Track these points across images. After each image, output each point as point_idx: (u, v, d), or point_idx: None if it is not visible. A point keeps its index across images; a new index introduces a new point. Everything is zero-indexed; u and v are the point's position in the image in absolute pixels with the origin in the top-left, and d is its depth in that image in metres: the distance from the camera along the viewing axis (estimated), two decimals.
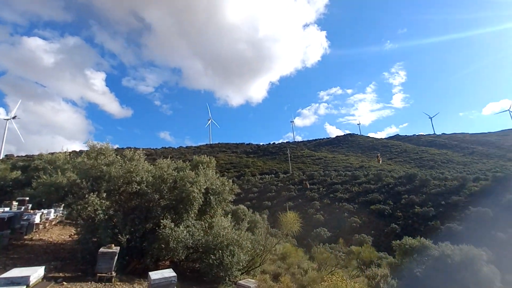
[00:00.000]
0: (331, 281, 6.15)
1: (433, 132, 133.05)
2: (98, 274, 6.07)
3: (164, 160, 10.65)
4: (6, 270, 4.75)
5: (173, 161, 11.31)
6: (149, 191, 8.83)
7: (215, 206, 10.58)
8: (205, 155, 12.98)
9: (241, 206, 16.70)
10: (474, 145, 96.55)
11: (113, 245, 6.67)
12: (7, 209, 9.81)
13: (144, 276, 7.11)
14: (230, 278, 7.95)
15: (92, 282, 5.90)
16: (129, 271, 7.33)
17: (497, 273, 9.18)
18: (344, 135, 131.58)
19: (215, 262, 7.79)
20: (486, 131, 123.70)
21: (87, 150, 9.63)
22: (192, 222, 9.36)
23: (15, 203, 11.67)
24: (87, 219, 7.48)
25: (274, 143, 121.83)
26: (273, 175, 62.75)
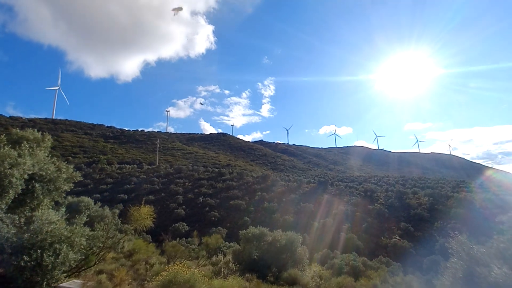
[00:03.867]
0: (172, 270, 6.15)
1: (287, 142, 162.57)
2: None
3: None
4: None
5: None
6: None
7: (41, 197, 8.34)
8: (41, 132, 10.08)
9: (85, 198, 14.13)
10: (311, 156, 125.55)
11: None
12: None
13: None
14: (50, 281, 6.51)
15: None
16: None
17: (306, 251, 12.13)
18: (217, 133, 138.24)
19: (28, 264, 6.16)
20: (320, 147, 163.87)
21: None
22: (1, 215, 7.04)
23: None
24: None
25: (142, 130, 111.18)
26: (135, 166, 56.98)
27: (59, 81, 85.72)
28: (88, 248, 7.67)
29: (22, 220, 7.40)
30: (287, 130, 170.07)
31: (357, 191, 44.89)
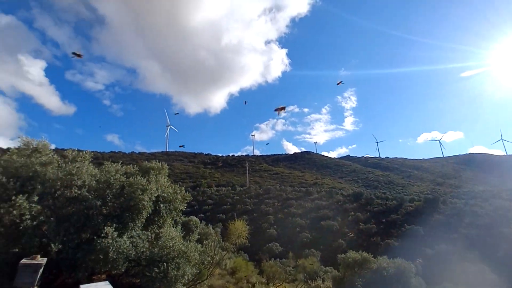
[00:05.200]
0: None
1: (378, 155, 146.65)
2: None
3: (113, 164, 9.91)
4: None
5: (123, 166, 10.59)
6: (90, 196, 8.07)
7: (165, 216, 10.08)
8: (160, 162, 12.47)
9: (193, 218, 16.15)
10: (411, 169, 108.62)
11: (38, 256, 5.89)
12: None
13: None
14: None
15: None
16: (57, 286, 6.49)
17: (423, 283, 10.24)
18: (301, 152, 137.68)
19: (158, 275, 7.33)
20: (420, 158, 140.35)
21: (18, 147, 8.50)
22: (138, 232, 8.77)
23: None
24: (10, 225, 6.52)
25: (233, 155, 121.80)
26: (229, 188, 62.16)
27: (168, 120, 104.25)
28: (201, 263, 8.65)
29: (153, 236, 8.98)
30: (377, 142, 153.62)
31: (483, 211, 35.74)
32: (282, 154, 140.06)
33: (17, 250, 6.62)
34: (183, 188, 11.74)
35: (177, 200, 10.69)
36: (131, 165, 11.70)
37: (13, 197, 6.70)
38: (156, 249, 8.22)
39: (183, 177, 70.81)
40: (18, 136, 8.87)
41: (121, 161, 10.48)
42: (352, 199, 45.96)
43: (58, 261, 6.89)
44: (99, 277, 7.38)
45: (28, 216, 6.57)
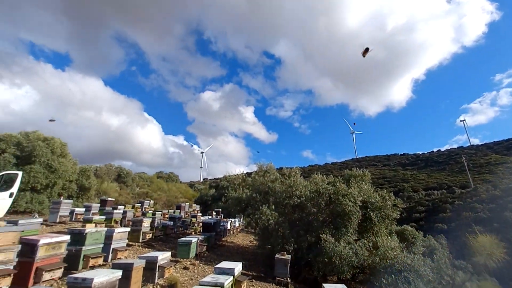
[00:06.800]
0: None
1: None
2: (276, 278, 6.89)
3: (318, 175, 11.04)
4: (216, 263, 6.32)
5: (325, 176, 11.52)
6: (308, 204, 9.35)
7: (377, 223, 9.66)
8: (356, 169, 12.39)
9: (408, 227, 14.33)
10: None
11: (285, 252, 7.42)
12: (208, 217, 13.23)
13: (314, 287, 7.37)
14: None
15: (272, 284, 6.74)
16: (301, 280, 7.83)
17: None
18: None
19: (388, 287, 6.95)
20: None
21: (256, 170, 11.56)
22: (353, 238, 8.96)
23: (214, 213, 15.59)
24: (263, 227, 8.79)
25: (439, 150, 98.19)
26: (444, 191, 50.03)
27: (350, 127, 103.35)
28: (437, 282, 7.30)
29: (370, 244, 8.79)
30: None
31: None
32: None
33: (269, 246, 8.77)
34: (391, 194, 10.84)
35: (387, 207, 10.00)
36: (330, 175, 12.47)
37: (260, 207, 9.07)
38: (377, 258, 7.95)
39: (380, 183, 65.79)
40: (255, 163, 12.19)
41: (318, 173, 11.47)
42: None
43: (296, 260, 8.35)
44: (331, 278, 8.14)
45: (272, 221, 8.58)
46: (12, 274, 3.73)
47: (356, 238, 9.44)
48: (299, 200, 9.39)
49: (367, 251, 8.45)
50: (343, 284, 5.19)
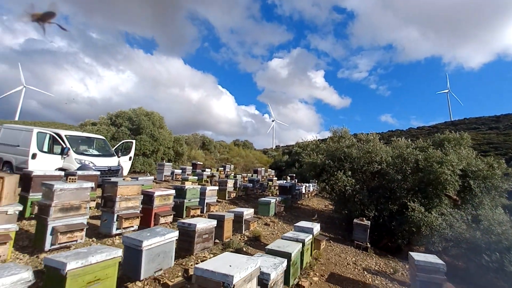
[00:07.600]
0: None
1: None
2: (355, 242, 6.89)
3: (401, 139, 9.97)
4: (294, 222, 6.70)
5: (410, 141, 10.29)
6: (390, 171, 8.68)
7: (479, 194, 8.28)
8: (458, 132, 10.60)
9: None
10: None
11: (364, 218, 7.26)
12: (284, 181, 13.82)
13: (396, 255, 7.11)
14: None
15: (351, 247, 6.80)
16: (381, 246, 7.64)
17: None
18: None
19: (491, 265, 6.14)
20: None
21: (330, 136, 11.19)
22: (448, 210, 8.01)
23: (288, 177, 16.22)
24: (339, 193, 8.71)
25: None
26: None
27: (448, 84, 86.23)
28: None
29: (469, 217, 7.73)
30: None
31: None
32: None
33: (346, 212, 8.70)
34: (502, 161, 9.03)
35: (495, 177, 8.43)
36: (419, 139, 11.02)
37: (335, 173, 8.90)
38: (477, 232, 6.99)
39: (483, 149, 54.57)
40: (329, 129, 11.75)
41: (399, 138, 10.25)
42: None
43: (376, 226, 8.08)
44: (418, 248, 7.65)
45: (349, 187, 8.39)
46: (139, 217, 4.86)
47: (452, 209, 8.42)
48: (379, 167, 8.81)
49: (464, 224, 7.52)
50: (434, 255, 4.83)
